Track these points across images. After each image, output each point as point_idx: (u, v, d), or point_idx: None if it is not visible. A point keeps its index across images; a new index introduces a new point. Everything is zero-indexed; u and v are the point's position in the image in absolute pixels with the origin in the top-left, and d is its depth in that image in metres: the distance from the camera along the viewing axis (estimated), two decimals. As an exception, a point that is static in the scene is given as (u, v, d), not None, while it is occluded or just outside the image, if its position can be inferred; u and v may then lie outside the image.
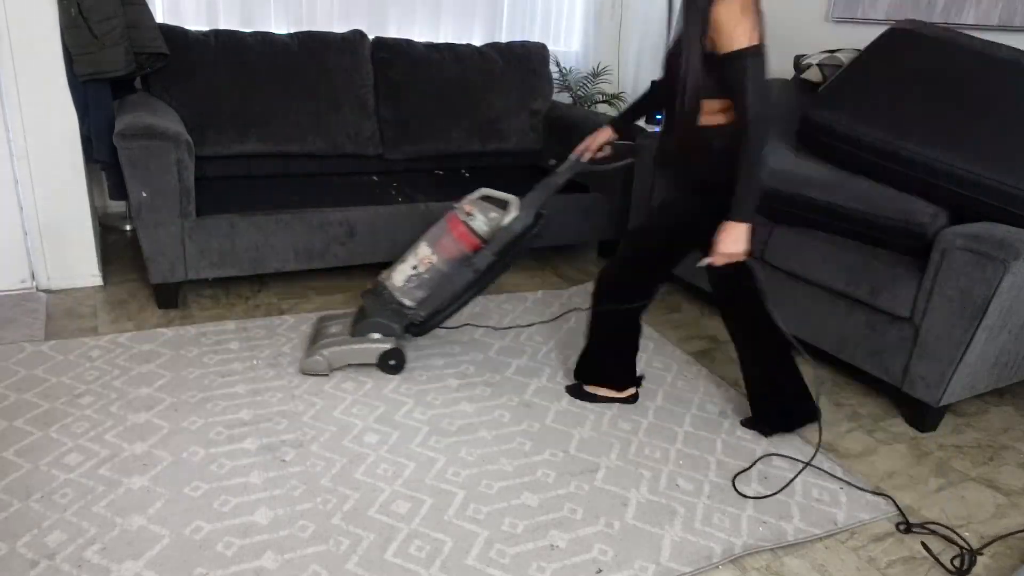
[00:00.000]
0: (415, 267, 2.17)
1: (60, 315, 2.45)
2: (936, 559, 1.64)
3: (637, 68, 4.30)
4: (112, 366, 2.13)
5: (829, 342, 2.36)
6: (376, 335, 2.20)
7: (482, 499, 1.70)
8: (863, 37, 3.00)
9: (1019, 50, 2.24)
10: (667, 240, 1.95)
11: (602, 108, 4.22)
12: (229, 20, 3.26)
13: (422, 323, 2.23)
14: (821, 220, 2.35)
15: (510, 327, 2.59)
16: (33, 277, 2.59)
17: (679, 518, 1.70)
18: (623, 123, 2.16)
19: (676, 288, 3.17)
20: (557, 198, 3.12)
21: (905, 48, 2.35)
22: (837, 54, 2.70)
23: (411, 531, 1.58)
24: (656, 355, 2.49)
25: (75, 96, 2.48)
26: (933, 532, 1.73)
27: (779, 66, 3.39)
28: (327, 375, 2.17)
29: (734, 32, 1.59)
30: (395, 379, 2.19)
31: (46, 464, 1.69)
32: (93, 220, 2.67)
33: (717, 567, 1.56)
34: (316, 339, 2.25)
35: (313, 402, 2.03)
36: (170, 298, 2.55)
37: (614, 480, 1.81)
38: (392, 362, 2.20)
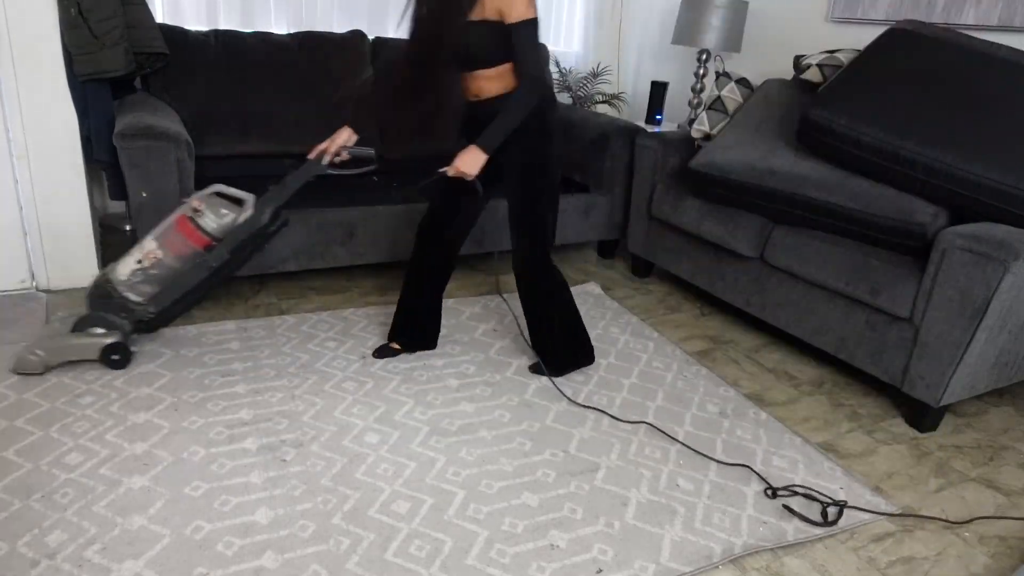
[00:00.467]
0: (140, 261, 2.09)
1: (60, 315, 2.45)
2: (803, 517, 1.72)
3: (637, 68, 4.31)
4: (112, 366, 2.13)
5: (829, 342, 2.36)
6: (99, 330, 2.10)
7: (482, 499, 1.70)
8: (863, 37, 3.00)
9: (1019, 50, 2.24)
10: (535, 196, 2.08)
11: (602, 108, 4.23)
12: (229, 20, 3.26)
13: (152, 319, 2.15)
14: (821, 220, 2.36)
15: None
16: (33, 277, 2.59)
17: (679, 518, 1.70)
18: (361, 126, 2.12)
19: (676, 288, 3.18)
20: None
21: (905, 48, 2.35)
22: (837, 54, 2.70)
23: (411, 531, 1.58)
24: (656, 355, 2.49)
25: (75, 96, 2.48)
26: (796, 494, 1.81)
27: (779, 66, 3.40)
28: (41, 374, 2.06)
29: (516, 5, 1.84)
30: (396, 379, 2.19)
31: (47, 464, 1.69)
32: (93, 220, 2.67)
33: (717, 567, 1.56)
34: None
35: (313, 402, 2.03)
36: (170, 298, 2.55)
37: (614, 480, 1.81)
38: (115, 356, 2.10)
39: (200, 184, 2.64)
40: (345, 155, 2.12)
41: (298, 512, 1.60)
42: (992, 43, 2.28)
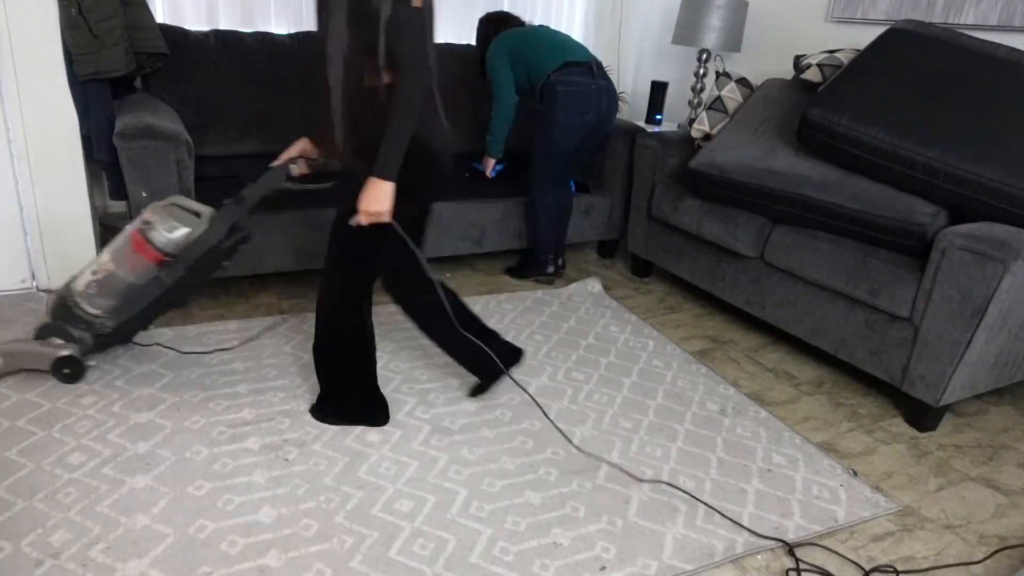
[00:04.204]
0: (95, 273, 1.98)
1: (61, 315, 2.44)
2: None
3: (637, 68, 4.31)
4: (113, 366, 2.13)
5: (829, 342, 2.37)
6: (58, 340, 2.01)
7: (485, 497, 1.70)
8: (863, 37, 3.01)
9: (1019, 50, 2.25)
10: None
11: (601, 108, 4.22)
12: (229, 20, 3.26)
13: (110, 333, 2.02)
14: (821, 220, 2.36)
15: (212, 351, 2.27)
16: (33, 277, 2.59)
17: (681, 516, 1.70)
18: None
19: (676, 288, 3.18)
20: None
21: (905, 48, 2.36)
22: (837, 54, 2.71)
23: (414, 529, 1.58)
24: (656, 355, 2.50)
25: (75, 96, 2.48)
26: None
27: (779, 66, 3.40)
28: (1, 377, 2.03)
29: None
30: (397, 379, 2.19)
31: (49, 464, 1.69)
32: (93, 220, 2.67)
33: (719, 565, 1.57)
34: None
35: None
36: (170, 298, 2.54)
37: (616, 478, 1.82)
38: (66, 371, 2.01)
39: (200, 183, 2.65)
40: (302, 166, 1.93)
41: (301, 511, 1.61)
42: (992, 43, 2.29)
